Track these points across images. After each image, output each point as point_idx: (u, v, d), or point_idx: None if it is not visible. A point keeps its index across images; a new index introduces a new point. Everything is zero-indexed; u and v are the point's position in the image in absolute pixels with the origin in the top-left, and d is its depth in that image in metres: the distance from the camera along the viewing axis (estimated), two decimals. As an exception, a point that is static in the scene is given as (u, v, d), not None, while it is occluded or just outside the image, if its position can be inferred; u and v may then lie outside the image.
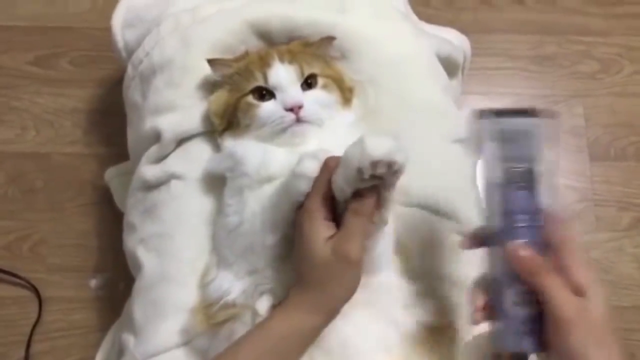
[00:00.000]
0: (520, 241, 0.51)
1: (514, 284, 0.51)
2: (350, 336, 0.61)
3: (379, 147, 0.49)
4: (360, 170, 0.50)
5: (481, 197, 0.54)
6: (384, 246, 0.63)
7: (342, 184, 0.53)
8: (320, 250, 0.54)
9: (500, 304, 0.52)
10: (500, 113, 0.53)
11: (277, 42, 0.77)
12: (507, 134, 0.52)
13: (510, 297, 0.51)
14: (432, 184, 0.71)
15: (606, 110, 1.11)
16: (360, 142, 0.50)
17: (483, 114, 0.53)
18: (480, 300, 0.54)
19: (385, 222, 0.59)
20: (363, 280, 0.58)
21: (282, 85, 0.67)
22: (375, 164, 0.50)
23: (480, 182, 0.54)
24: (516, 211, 0.52)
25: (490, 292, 0.53)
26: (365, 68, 0.77)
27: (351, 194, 0.54)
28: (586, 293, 0.48)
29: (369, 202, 0.54)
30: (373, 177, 0.51)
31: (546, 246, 0.52)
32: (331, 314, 0.57)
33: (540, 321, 0.50)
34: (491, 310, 0.53)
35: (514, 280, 0.51)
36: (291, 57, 0.69)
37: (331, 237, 0.55)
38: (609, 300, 0.94)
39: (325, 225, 0.55)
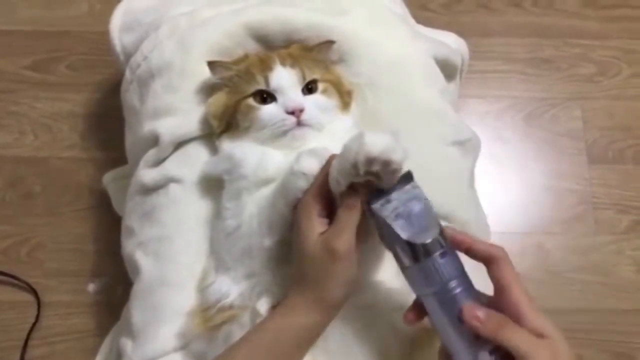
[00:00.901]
0: (468, 305, 0.49)
1: (482, 346, 0.49)
2: (347, 337, 0.62)
3: (376, 144, 0.49)
4: (355, 166, 0.50)
5: (404, 277, 0.53)
6: (383, 248, 0.63)
7: (337, 177, 0.53)
8: (312, 246, 0.54)
9: None
10: (381, 193, 0.52)
11: (275, 45, 0.77)
12: (398, 211, 0.51)
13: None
14: (429, 186, 0.71)
15: (604, 113, 1.11)
16: (359, 137, 0.50)
17: (369, 202, 0.52)
18: None
19: None
20: (360, 282, 0.58)
21: (283, 89, 0.67)
22: (370, 160, 0.49)
23: (396, 263, 0.53)
24: (447, 279, 0.50)
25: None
26: (362, 71, 0.77)
27: (345, 188, 0.53)
28: (547, 335, 0.47)
29: (362, 196, 0.54)
30: (368, 173, 0.51)
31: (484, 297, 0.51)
32: (329, 312, 0.57)
33: None
34: None
35: (480, 342, 0.49)
36: (292, 61, 0.69)
37: (323, 232, 0.55)
38: (609, 303, 0.96)
39: (320, 222, 0.55)
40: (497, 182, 1.06)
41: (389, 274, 0.65)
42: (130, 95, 0.81)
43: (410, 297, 0.65)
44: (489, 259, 0.51)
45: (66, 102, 1.09)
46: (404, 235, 0.50)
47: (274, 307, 0.61)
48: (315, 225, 0.55)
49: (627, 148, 1.09)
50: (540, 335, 0.47)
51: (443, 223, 0.70)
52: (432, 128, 0.77)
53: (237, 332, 0.60)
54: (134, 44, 0.81)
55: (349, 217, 0.54)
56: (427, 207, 0.52)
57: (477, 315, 0.48)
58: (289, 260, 0.60)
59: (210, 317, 0.64)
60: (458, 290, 0.50)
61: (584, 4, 1.18)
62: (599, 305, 0.98)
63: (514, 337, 0.47)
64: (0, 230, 1.01)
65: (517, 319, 0.48)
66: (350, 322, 0.62)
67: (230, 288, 0.64)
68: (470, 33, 1.04)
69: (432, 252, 0.50)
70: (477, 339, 0.49)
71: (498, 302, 0.50)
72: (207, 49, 0.75)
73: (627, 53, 1.15)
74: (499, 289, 0.50)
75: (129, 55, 0.82)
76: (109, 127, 1.05)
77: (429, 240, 0.50)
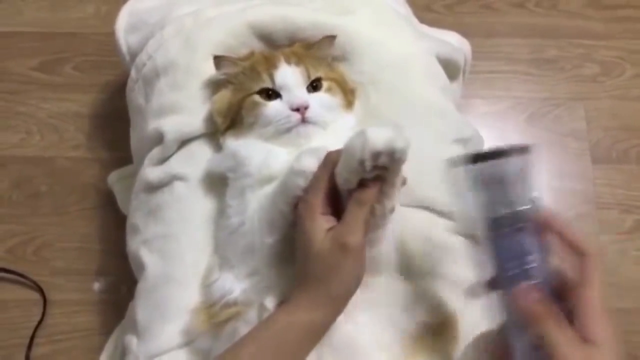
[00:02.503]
0: (522, 286, 0.49)
1: (525, 331, 0.49)
2: (352, 335, 0.62)
3: (379, 138, 0.50)
4: (362, 162, 0.51)
5: (474, 248, 0.53)
6: (387, 245, 0.63)
7: (346, 176, 0.53)
8: (320, 243, 0.54)
9: (521, 353, 0.50)
10: (476, 158, 0.51)
11: (279, 44, 0.78)
12: (487, 179, 0.50)
13: (526, 344, 0.49)
14: (432, 184, 0.72)
15: (608, 113, 1.11)
16: (362, 134, 0.50)
17: (458, 161, 0.51)
18: (499, 352, 0.52)
19: (391, 211, 0.58)
20: (365, 280, 0.59)
21: (288, 86, 0.68)
22: (376, 155, 0.50)
23: (469, 228, 0.53)
24: (515, 257, 0.50)
25: (510, 343, 0.51)
26: (365, 70, 0.77)
27: (356, 184, 0.54)
28: (595, 342, 0.46)
29: (372, 191, 0.54)
30: (376, 167, 0.51)
31: (553, 285, 0.50)
32: (334, 309, 0.57)
33: None
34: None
35: (524, 327, 0.49)
36: (297, 60, 0.70)
37: (330, 229, 0.55)
38: (613, 303, 0.95)
39: (325, 219, 0.55)
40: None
41: (394, 270, 0.66)
42: (135, 94, 0.82)
43: (414, 292, 0.66)
44: (580, 252, 0.50)
45: (72, 103, 1.10)
46: (485, 203, 0.50)
47: (281, 303, 0.61)
48: (319, 223, 0.55)
49: (630, 148, 1.08)
50: (587, 340, 0.46)
51: (446, 220, 0.72)
52: (434, 126, 0.77)
53: (243, 328, 0.61)
54: (140, 44, 0.82)
55: (360, 212, 0.54)
56: (526, 181, 0.51)
57: (526, 296, 0.49)
58: (292, 258, 0.60)
59: (215, 313, 0.64)
60: (523, 268, 0.50)
61: (588, 4, 1.18)
62: (604, 305, 0.98)
63: (550, 332, 0.47)
64: (6, 230, 1.02)
65: (575, 317, 0.48)
66: (355, 318, 0.62)
67: (234, 285, 0.65)
68: (474, 34, 1.04)
69: (505, 227, 0.50)
70: (524, 325, 0.49)
71: (569, 295, 0.49)
72: (212, 47, 0.76)
73: (631, 53, 1.15)
74: (577, 283, 0.49)
75: (134, 55, 0.83)
76: (115, 128, 1.06)
77: (507, 214, 0.50)
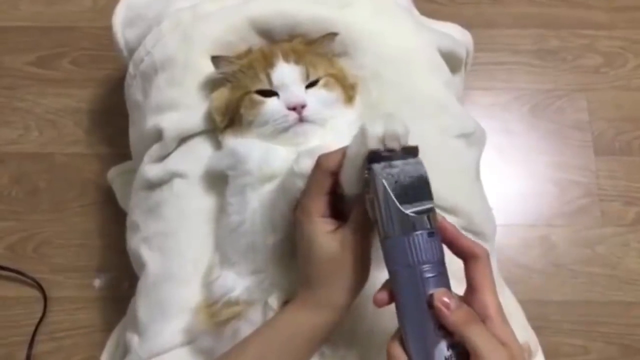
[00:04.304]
0: (442, 291, 0.47)
1: (443, 336, 0.47)
2: (356, 331, 0.61)
3: (378, 125, 0.48)
4: (372, 155, 0.49)
5: (382, 249, 0.50)
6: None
7: (354, 181, 0.52)
8: (324, 246, 0.54)
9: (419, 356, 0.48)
10: (386, 157, 0.49)
11: (278, 39, 0.77)
12: (398, 178, 0.49)
13: (443, 352, 0.47)
14: (434, 178, 0.71)
15: (610, 104, 1.10)
16: (359, 131, 0.49)
17: (370, 158, 0.50)
18: None
19: None
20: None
21: (285, 85, 0.67)
22: (382, 139, 0.48)
23: (379, 232, 0.50)
24: (428, 259, 0.48)
25: (417, 349, 0.48)
26: (366, 63, 0.76)
27: (362, 188, 0.52)
28: (506, 343, 0.46)
29: None
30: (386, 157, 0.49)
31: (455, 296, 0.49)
32: (339, 310, 0.56)
33: None
34: None
35: (442, 332, 0.47)
36: (297, 57, 0.69)
37: (335, 230, 0.54)
38: (615, 295, 0.95)
39: (325, 221, 0.54)
40: (503, 174, 1.06)
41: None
42: (133, 90, 0.81)
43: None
44: (470, 256, 0.49)
45: (70, 98, 1.09)
46: (397, 202, 0.48)
47: (285, 303, 0.60)
48: (319, 226, 0.54)
49: (633, 139, 1.08)
50: (502, 342, 0.46)
51: (449, 215, 0.71)
52: (436, 120, 0.76)
53: (245, 328, 0.60)
54: (137, 39, 0.81)
55: (367, 215, 0.53)
56: (426, 183, 0.50)
57: (448, 302, 0.46)
58: (295, 256, 0.59)
59: (216, 312, 0.64)
60: (433, 274, 0.48)
61: (589, -7, 1.18)
62: (605, 298, 0.98)
63: (478, 336, 0.45)
64: (6, 227, 1.01)
65: (483, 322, 0.47)
66: (357, 319, 0.61)
67: (235, 283, 0.64)
68: (475, 25, 1.03)
69: (420, 228, 0.48)
70: (438, 330, 0.47)
71: (468, 302, 0.49)
72: (210, 43, 0.75)
73: (634, 43, 1.14)
74: (473, 288, 0.49)
75: (132, 50, 0.82)
76: (114, 123, 1.05)
77: (420, 214, 0.48)
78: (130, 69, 0.81)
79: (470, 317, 0.47)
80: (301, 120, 0.66)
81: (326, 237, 0.54)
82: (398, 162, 0.50)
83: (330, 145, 0.56)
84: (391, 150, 0.49)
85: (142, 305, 0.72)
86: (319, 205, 0.54)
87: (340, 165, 0.52)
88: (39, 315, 0.96)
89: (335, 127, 0.67)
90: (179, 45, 0.76)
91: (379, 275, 0.62)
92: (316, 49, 0.72)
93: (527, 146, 1.08)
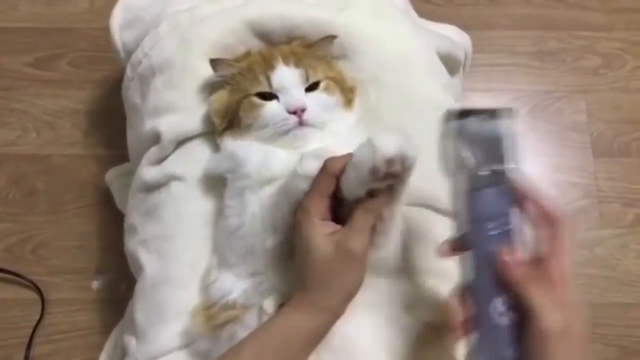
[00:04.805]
0: (507, 246, 0.49)
1: (499, 292, 0.49)
2: (352, 336, 0.61)
3: (390, 145, 0.49)
4: (374, 171, 0.50)
5: (454, 204, 0.52)
6: (394, 246, 0.62)
7: (354, 187, 0.53)
8: (321, 248, 0.54)
9: (486, 315, 0.50)
10: (465, 114, 0.51)
11: (277, 41, 0.76)
12: (472, 135, 0.51)
13: (497, 308, 0.49)
14: (433, 182, 0.71)
15: (609, 106, 1.10)
16: (369, 143, 0.50)
17: (448, 116, 0.51)
18: (461, 314, 0.51)
19: (394, 218, 0.58)
20: (366, 281, 0.58)
21: (285, 88, 0.66)
22: (389, 161, 0.49)
23: (451, 188, 0.52)
24: (495, 216, 0.50)
25: (473, 302, 0.51)
26: (365, 66, 0.76)
27: (364, 194, 0.53)
28: (568, 309, 0.47)
29: (382, 201, 0.54)
30: (387, 175, 0.50)
31: (529, 248, 0.51)
32: (334, 313, 0.57)
33: (520, 329, 0.48)
34: (473, 322, 0.51)
35: (499, 288, 0.49)
36: (296, 60, 0.68)
37: (332, 233, 0.54)
38: (614, 297, 0.95)
39: (323, 224, 0.55)
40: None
41: (395, 271, 0.65)
42: (131, 93, 0.81)
43: (415, 293, 0.65)
44: (552, 221, 0.50)
45: (68, 99, 1.09)
46: (473, 159, 0.50)
47: (281, 306, 0.60)
48: (317, 228, 0.55)
49: (632, 141, 1.08)
50: (562, 306, 0.47)
51: (449, 218, 0.71)
52: (435, 123, 0.75)
53: (241, 332, 0.60)
54: (135, 41, 0.81)
55: (366, 219, 0.54)
56: (511, 143, 0.51)
57: (510, 259, 0.49)
58: (293, 260, 0.59)
59: (214, 315, 0.64)
60: (499, 231, 0.50)
61: (588, -5, 1.18)
62: (605, 300, 0.98)
63: (535, 294, 0.47)
64: (3, 228, 1.01)
65: (550, 284, 0.48)
66: (355, 319, 0.61)
67: (233, 285, 0.64)
68: (474, 26, 1.03)
69: (487, 186, 0.50)
70: (496, 285, 0.49)
71: (542, 263, 0.49)
72: (208, 45, 0.74)
73: (632, 45, 1.14)
74: (549, 250, 0.50)
75: (129, 52, 0.81)
76: (112, 124, 1.05)
77: (493, 172, 0.50)
78: (128, 71, 0.81)
79: (530, 275, 0.48)
80: (301, 123, 0.65)
81: (323, 239, 0.54)
82: (487, 121, 0.51)
83: (332, 147, 0.57)
84: (476, 112, 0.51)
85: (139, 308, 0.72)
86: (320, 207, 0.55)
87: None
88: (37, 317, 0.95)
89: (335, 131, 0.67)
90: (177, 48, 0.76)
91: (376, 280, 0.63)
92: (315, 52, 0.72)
93: (525, 148, 1.07)
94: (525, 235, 0.51)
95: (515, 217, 0.51)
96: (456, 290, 0.53)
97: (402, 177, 0.52)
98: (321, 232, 0.54)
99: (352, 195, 0.54)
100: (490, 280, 0.49)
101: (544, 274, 0.49)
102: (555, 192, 1.05)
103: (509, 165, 0.51)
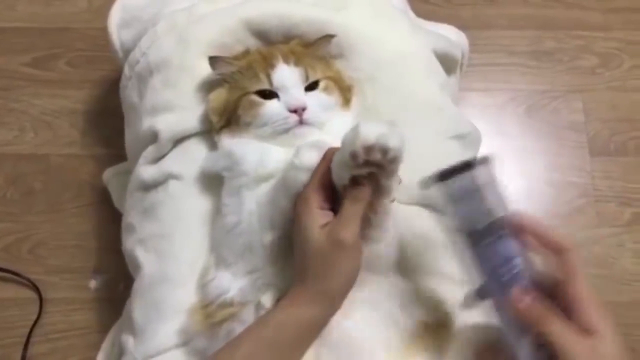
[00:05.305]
0: (517, 290, 0.50)
1: (525, 333, 0.50)
2: (351, 332, 0.61)
3: (371, 132, 0.49)
4: (354, 156, 0.50)
5: (461, 262, 0.54)
6: (387, 244, 0.63)
7: (338, 170, 0.53)
8: (315, 239, 0.54)
9: (521, 355, 0.51)
10: (443, 175, 0.52)
11: (274, 40, 0.77)
12: (458, 194, 0.52)
13: (527, 348, 0.50)
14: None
15: (606, 105, 1.10)
16: (355, 128, 0.50)
17: (429, 182, 0.52)
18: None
19: (387, 212, 0.59)
20: (364, 278, 0.58)
21: (285, 86, 0.67)
22: (368, 149, 0.50)
23: (454, 245, 0.53)
24: (500, 264, 0.51)
25: (508, 346, 0.52)
26: (362, 66, 0.76)
27: (349, 181, 0.53)
28: (595, 332, 0.48)
29: (366, 189, 0.54)
30: (368, 163, 0.51)
31: (542, 284, 0.52)
32: (330, 305, 0.57)
33: None
34: None
35: (525, 330, 0.50)
36: (296, 59, 0.69)
37: (326, 224, 0.55)
38: (611, 296, 0.95)
39: (321, 214, 0.55)
40: (499, 175, 1.06)
41: (393, 269, 0.65)
42: (129, 92, 0.81)
43: (413, 290, 0.66)
44: (558, 249, 0.51)
45: (66, 99, 1.09)
46: (464, 218, 0.51)
47: (278, 300, 0.61)
48: (315, 218, 0.55)
49: (629, 140, 1.08)
50: (586, 331, 0.48)
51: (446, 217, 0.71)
52: (431, 122, 0.76)
53: (239, 329, 0.60)
54: (133, 40, 0.81)
55: (354, 209, 0.54)
56: (496, 190, 0.53)
57: (523, 299, 0.49)
58: (291, 256, 0.60)
59: (211, 313, 0.64)
60: (510, 275, 0.51)
61: (585, -5, 1.18)
62: (601, 298, 0.98)
63: (553, 330, 0.48)
64: (1, 228, 1.01)
65: (570, 311, 0.49)
66: (353, 316, 0.61)
67: (230, 283, 0.64)
68: (472, 26, 1.03)
69: (489, 236, 0.51)
70: (522, 328, 0.50)
71: (557, 292, 0.50)
72: (206, 44, 0.75)
73: (629, 44, 1.14)
74: (562, 279, 0.51)
75: (127, 52, 0.82)
76: (110, 124, 1.05)
77: (488, 224, 0.51)
78: (126, 71, 0.81)
79: (544, 313, 0.49)
80: (301, 122, 0.66)
81: (319, 230, 0.55)
82: (467, 175, 0.52)
83: (328, 139, 0.58)
84: (452, 169, 0.51)
85: (137, 306, 0.72)
86: (319, 196, 0.55)
87: None
88: (35, 316, 0.95)
89: (333, 130, 0.68)
90: (174, 47, 0.76)
91: (374, 277, 0.63)
92: (314, 51, 0.72)
93: (522, 147, 1.08)
94: (537, 269, 0.53)
95: (523, 256, 0.52)
96: (496, 339, 0.54)
97: (385, 167, 0.52)
98: (318, 223, 0.55)
99: (338, 182, 0.54)
100: (515, 323, 0.51)
101: (562, 302, 0.49)
102: (553, 191, 1.05)
103: (501, 211, 0.52)
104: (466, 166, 0.52)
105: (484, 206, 0.52)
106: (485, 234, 0.51)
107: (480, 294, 0.53)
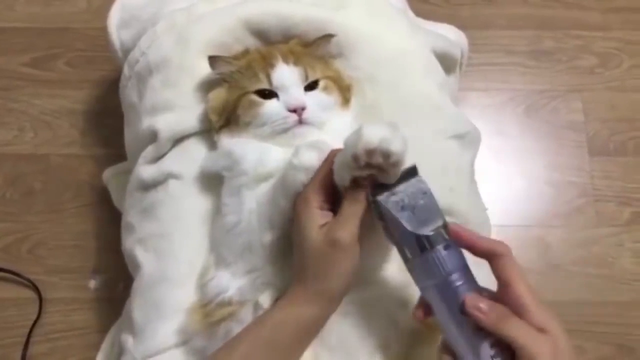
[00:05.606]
0: (474, 294, 0.50)
1: (484, 338, 0.49)
2: (349, 333, 0.61)
3: (374, 135, 0.49)
4: (355, 158, 0.50)
5: (408, 271, 0.53)
6: (387, 244, 0.63)
7: (339, 171, 0.53)
8: (314, 238, 0.54)
9: None
10: (382, 187, 0.52)
11: (273, 40, 0.77)
12: (403, 203, 0.52)
13: (487, 352, 0.49)
14: (428, 180, 0.71)
15: (605, 105, 1.10)
16: (357, 130, 0.50)
17: (373, 194, 0.53)
18: None
19: None
20: (362, 278, 0.58)
21: (285, 86, 0.67)
22: (370, 152, 0.49)
23: (403, 258, 0.53)
24: (450, 271, 0.50)
25: (464, 354, 0.51)
26: (361, 65, 0.76)
27: (350, 182, 0.54)
28: (549, 331, 0.47)
29: (366, 191, 0.54)
30: (369, 165, 0.51)
31: (487, 290, 0.52)
32: (329, 304, 0.57)
33: None
34: None
35: (482, 334, 0.49)
36: (295, 59, 0.69)
37: (325, 224, 0.55)
38: (610, 296, 0.96)
39: (321, 214, 0.55)
40: (498, 175, 1.06)
41: (391, 269, 0.65)
42: (128, 92, 0.81)
43: (412, 290, 0.66)
44: (492, 255, 0.51)
45: (66, 99, 1.09)
46: (408, 226, 0.51)
47: (276, 300, 0.61)
48: (314, 218, 0.55)
49: (628, 140, 1.08)
50: (541, 329, 0.48)
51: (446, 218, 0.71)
52: (431, 122, 0.76)
53: (237, 328, 0.60)
54: (132, 40, 0.81)
55: (353, 210, 0.54)
56: (432, 200, 0.53)
57: (480, 306, 0.49)
58: (290, 255, 0.60)
59: (209, 312, 0.64)
60: (460, 282, 0.51)
61: (584, -6, 1.18)
62: (600, 298, 0.98)
63: (514, 330, 0.47)
64: (1, 228, 1.01)
65: (520, 313, 0.48)
66: (352, 317, 0.62)
67: (229, 283, 0.64)
68: (471, 25, 1.03)
69: (436, 244, 0.51)
70: (478, 332, 0.49)
71: (501, 298, 0.50)
72: (205, 44, 0.75)
73: (628, 44, 1.14)
74: (502, 284, 0.50)
75: (127, 52, 0.82)
76: (109, 124, 1.05)
77: (432, 232, 0.51)
78: (125, 70, 0.81)
79: (504, 314, 0.48)
80: (301, 122, 0.66)
81: (318, 230, 0.55)
82: (400, 188, 0.53)
83: (328, 139, 0.58)
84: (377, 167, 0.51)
85: (137, 306, 0.72)
86: (319, 197, 0.55)
87: None
88: (34, 316, 0.95)
89: (332, 129, 0.68)
90: (174, 47, 0.76)
91: (373, 278, 0.63)
92: (313, 51, 0.72)
93: (521, 147, 1.08)
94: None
95: (466, 263, 0.52)
96: (443, 344, 0.53)
97: (386, 170, 0.52)
98: (317, 223, 0.55)
99: (339, 182, 0.54)
100: (471, 328, 0.50)
101: (515, 303, 0.49)
102: (552, 191, 1.05)
103: (441, 218, 0.52)
104: (401, 176, 0.53)
105: (430, 214, 0.52)
106: (434, 239, 0.51)
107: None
